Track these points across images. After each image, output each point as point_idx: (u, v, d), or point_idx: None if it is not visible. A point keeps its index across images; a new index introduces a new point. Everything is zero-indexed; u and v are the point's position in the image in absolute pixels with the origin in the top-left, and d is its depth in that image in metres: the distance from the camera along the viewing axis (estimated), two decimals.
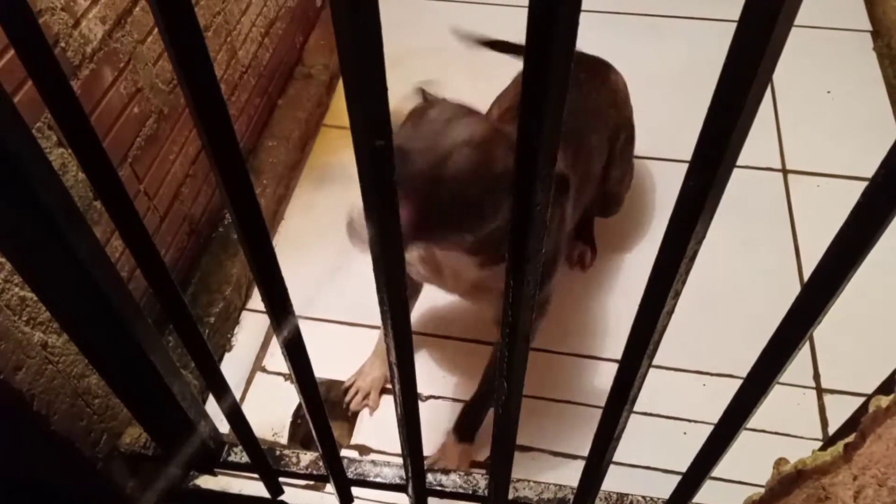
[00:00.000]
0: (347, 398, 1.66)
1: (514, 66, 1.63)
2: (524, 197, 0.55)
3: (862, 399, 0.80)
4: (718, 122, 0.48)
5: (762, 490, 1.00)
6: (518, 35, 0.56)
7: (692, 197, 0.53)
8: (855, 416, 0.89)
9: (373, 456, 1.58)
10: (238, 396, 1.68)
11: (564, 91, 0.47)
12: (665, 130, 2.14)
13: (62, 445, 1.19)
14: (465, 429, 1.56)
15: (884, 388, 0.80)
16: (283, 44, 2.16)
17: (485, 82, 1.67)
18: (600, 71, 1.68)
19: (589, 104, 1.57)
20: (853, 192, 0.54)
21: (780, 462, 0.95)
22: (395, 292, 0.70)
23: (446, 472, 1.25)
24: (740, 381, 0.80)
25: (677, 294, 0.65)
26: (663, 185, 2.08)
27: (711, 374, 1.68)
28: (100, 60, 1.29)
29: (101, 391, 1.26)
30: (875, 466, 0.72)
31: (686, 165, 0.52)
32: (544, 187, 0.54)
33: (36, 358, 1.10)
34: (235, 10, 1.81)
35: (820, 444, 1.06)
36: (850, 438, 0.78)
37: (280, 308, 0.81)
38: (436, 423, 1.61)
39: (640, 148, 2.13)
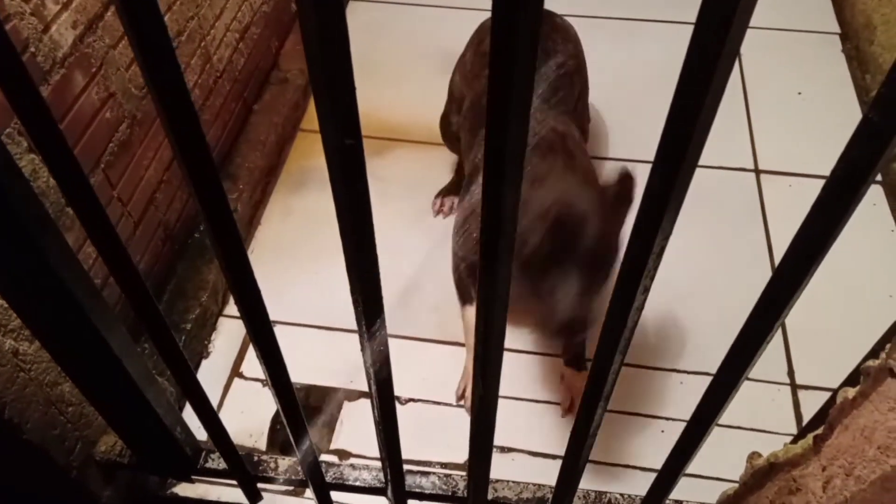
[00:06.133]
0: (463, 402, 1.68)
1: None
2: (494, 201, 0.56)
3: None
4: (680, 120, 0.48)
5: (738, 486, 1.01)
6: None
7: (657, 193, 0.54)
8: (824, 408, 0.90)
9: (352, 460, 1.58)
10: (216, 402, 1.67)
11: (528, 102, 0.48)
12: (638, 131, 2.15)
13: (36, 454, 1.18)
14: (579, 358, 1.65)
15: (851, 381, 0.82)
16: (258, 48, 2.15)
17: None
18: (561, 29, 1.75)
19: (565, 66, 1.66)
20: None
21: (753, 456, 0.97)
22: (369, 295, 0.70)
23: (425, 474, 1.25)
24: None
25: (646, 290, 0.66)
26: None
27: (688, 372, 1.69)
28: (71, 65, 1.28)
29: (75, 399, 1.24)
30: (842, 457, 0.73)
31: None
32: (514, 189, 0.54)
33: (7, 366, 1.08)
34: (209, 14, 1.80)
35: None
36: (820, 430, 0.80)
37: (254, 313, 0.81)
38: (416, 425, 1.61)
39: (613, 149, 2.15)
